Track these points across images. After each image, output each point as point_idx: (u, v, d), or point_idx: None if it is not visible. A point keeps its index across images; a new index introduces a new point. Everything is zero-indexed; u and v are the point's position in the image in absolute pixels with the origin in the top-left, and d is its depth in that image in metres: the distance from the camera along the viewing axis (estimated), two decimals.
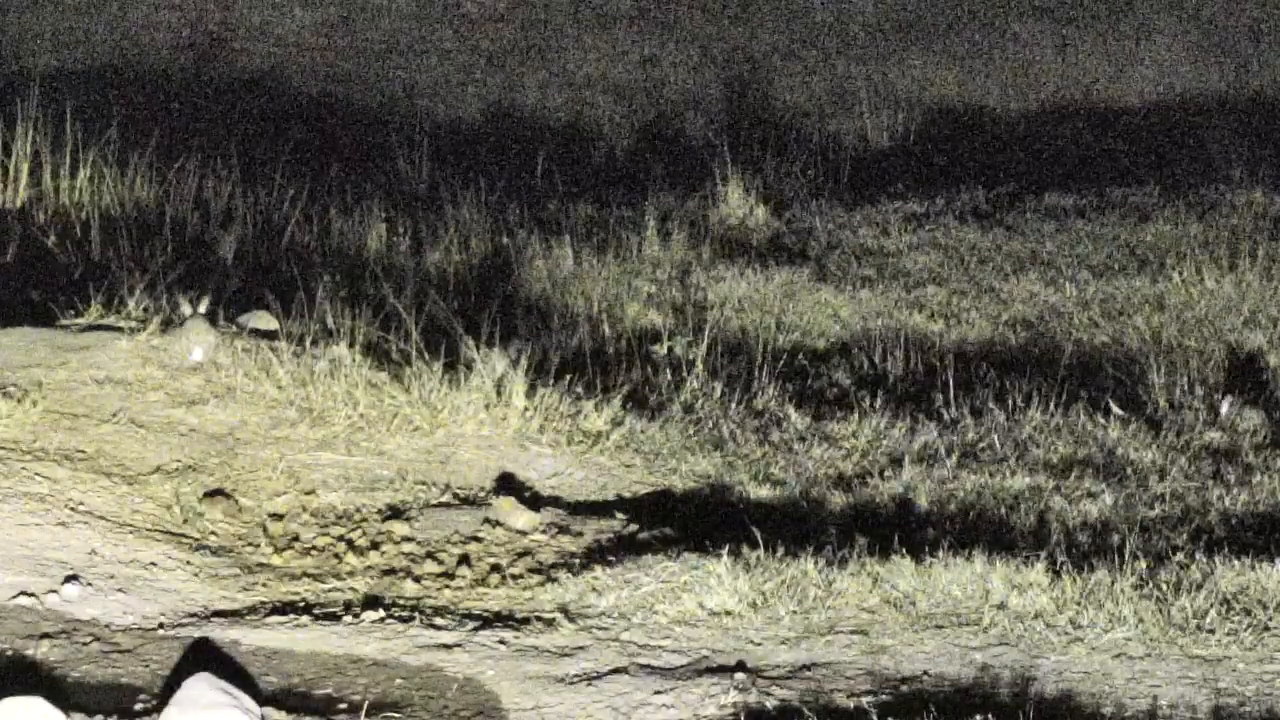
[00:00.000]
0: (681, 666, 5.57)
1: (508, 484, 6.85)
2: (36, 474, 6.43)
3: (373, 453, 6.93)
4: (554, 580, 6.15)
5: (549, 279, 9.46)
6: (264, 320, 7.65)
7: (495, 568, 6.30)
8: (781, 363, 8.02)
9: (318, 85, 15.19)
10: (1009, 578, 5.90)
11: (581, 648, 5.72)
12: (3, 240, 8.71)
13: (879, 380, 8.08)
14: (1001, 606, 5.81)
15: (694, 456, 7.09)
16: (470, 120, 14.69)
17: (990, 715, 5.06)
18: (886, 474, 6.96)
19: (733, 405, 7.52)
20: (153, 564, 6.13)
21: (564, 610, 5.95)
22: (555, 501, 6.78)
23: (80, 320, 7.46)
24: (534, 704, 5.37)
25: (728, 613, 5.86)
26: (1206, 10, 16.26)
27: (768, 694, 5.36)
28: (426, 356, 7.28)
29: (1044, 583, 5.87)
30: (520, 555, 6.39)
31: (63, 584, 5.89)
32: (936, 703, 5.20)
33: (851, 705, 5.29)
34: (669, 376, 7.71)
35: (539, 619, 5.91)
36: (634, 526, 6.54)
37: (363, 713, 5.27)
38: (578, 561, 6.30)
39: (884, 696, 5.34)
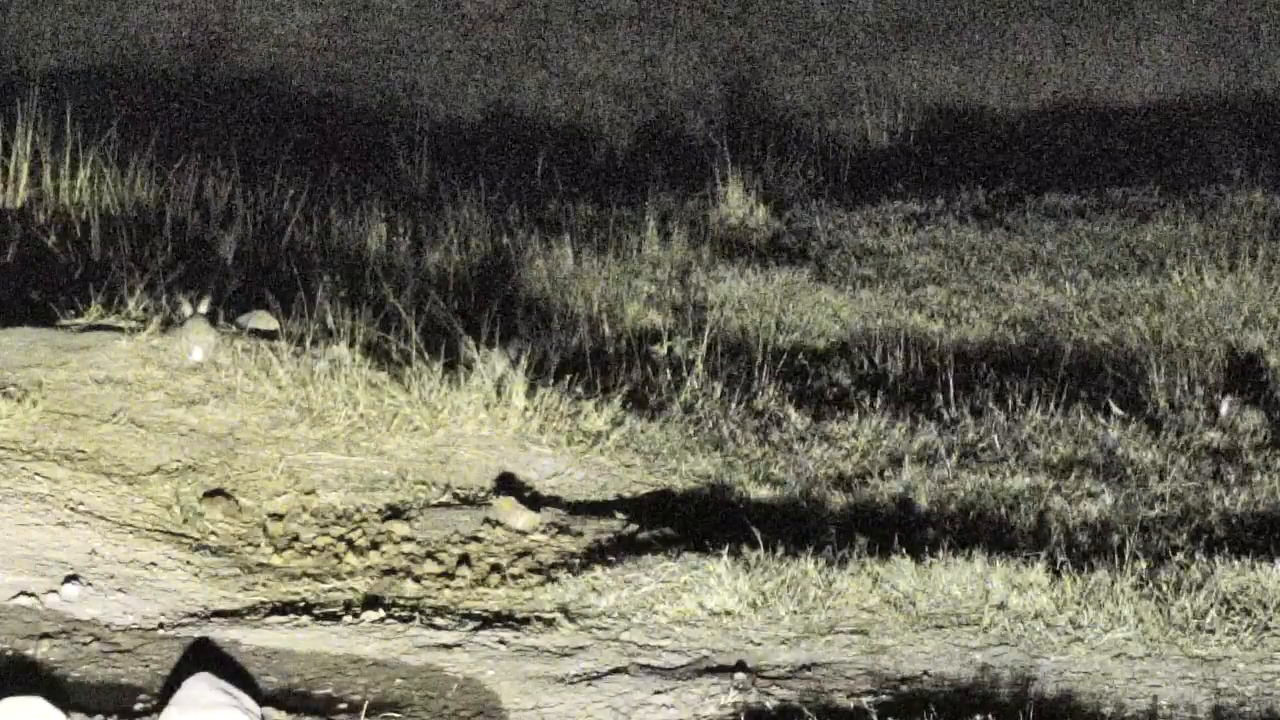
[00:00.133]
0: (681, 666, 5.57)
1: (508, 484, 6.85)
2: (36, 474, 6.43)
3: (373, 453, 6.93)
4: (554, 580, 6.14)
5: (549, 279, 9.45)
6: (264, 320, 7.65)
7: (495, 568, 6.30)
8: (781, 363, 8.02)
9: (318, 85, 15.19)
10: (1009, 578, 5.90)
11: (581, 648, 5.71)
12: (3, 240, 8.70)
13: (879, 380, 8.08)
14: (1001, 606, 5.80)
15: (694, 456, 7.09)
16: (470, 120, 14.69)
17: (990, 715, 5.06)
18: (886, 474, 6.95)
19: (733, 405, 7.51)
20: (153, 564, 6.12)
21: (564, 610, 5.95)
22: (555, 501, 6.78)
23: (80, 320, 7.46)
24: (534, 704, 5.37)
25: (728, 613, 5.85)
26: (1206, 10, 16.26)
27: (768, 694, 5.36)
28: (426, 356, 7.28)
29: (1044, 583, 5.87)
30: (520, 555, 6.39)
31: (63, 584, 5.88)
32: (936, 703, 5.19)
33: (851, 705, 5.29)
34: (669, 376, 7.71)
35: (539, 619, 5.90)
36: (634, 526, 6.54)
37: (363, 713, 5.27)
38: (578, 561, 6.30)
39: (884, 696, 5.34)
